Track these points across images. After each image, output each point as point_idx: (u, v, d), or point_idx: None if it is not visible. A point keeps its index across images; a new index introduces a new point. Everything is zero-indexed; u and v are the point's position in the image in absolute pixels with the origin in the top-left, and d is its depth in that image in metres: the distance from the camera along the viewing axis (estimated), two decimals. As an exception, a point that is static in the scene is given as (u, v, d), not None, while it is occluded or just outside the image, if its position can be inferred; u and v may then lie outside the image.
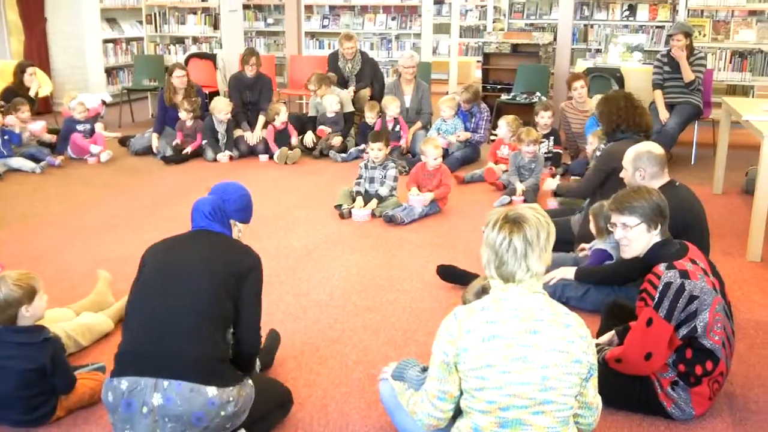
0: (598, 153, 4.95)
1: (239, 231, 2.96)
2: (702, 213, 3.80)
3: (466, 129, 7.59)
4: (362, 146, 7.58)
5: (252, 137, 7.85)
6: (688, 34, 7.20)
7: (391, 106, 7.52)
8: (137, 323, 2.63)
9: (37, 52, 9.99)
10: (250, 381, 2.71)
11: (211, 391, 2.51)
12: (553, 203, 5.94)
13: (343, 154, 7.70)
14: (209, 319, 2.60)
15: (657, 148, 3.83)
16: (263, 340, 3.49)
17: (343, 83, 8.65)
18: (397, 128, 7.60)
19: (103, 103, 9.08)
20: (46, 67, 9.77)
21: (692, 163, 7.58)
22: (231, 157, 7.69)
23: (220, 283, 2.64)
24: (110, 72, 10.90)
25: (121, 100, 9.92)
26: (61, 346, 3.08)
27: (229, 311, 2.66)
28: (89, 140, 7.62)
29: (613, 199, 3.10)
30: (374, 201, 5.76)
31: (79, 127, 7.64)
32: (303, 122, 8.20)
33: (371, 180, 5.91)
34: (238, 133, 7.95)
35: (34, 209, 5.96)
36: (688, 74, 7.12)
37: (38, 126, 7.68)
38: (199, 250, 2.74)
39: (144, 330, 2.59)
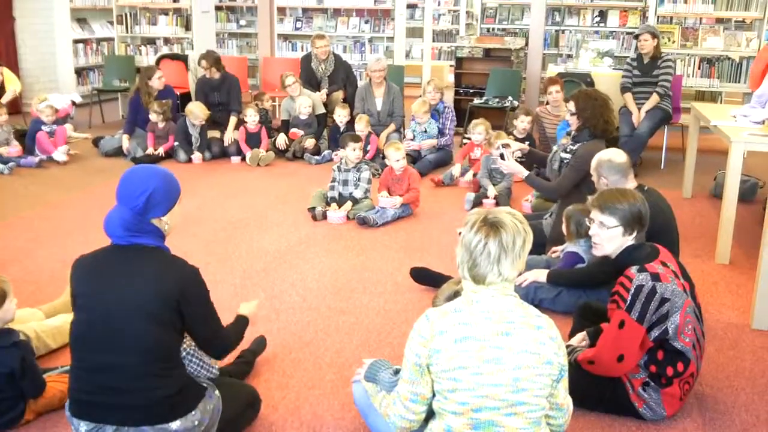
0: (562, 154, 4.95)
1: (166, 224, 2.60)
2: (672, 216, 3.85)
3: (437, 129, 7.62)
4: (333, 151, 7.59)
5: (225, 138, 7.81)
6: (654, 35, 7.29)
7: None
8: (84, 373, 2.47)
9: (6, 52, 9.84)
10: (216, 391, 2.68)
11: (175, 424, 2.49)
12: (526, 206, 5.98)
13: (317, 157, 7.69)
14: (158, 359, 2.45)
15: (619, 156, 3.85)
16: (249, 344, 3.49)
17: (315, 85, 8.64)
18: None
19: (73, 103, 8.97)
20: (15, 67, 9.62)
21: (662, 167, 7.67)
22: (203, 159, 7.65)
23: (161, 321, 2.44)
24: (80, 72, 10.77)
25: (91, 101, 9.82)
26: (31, 349, 3.04)
27: (177, 339, 2.55)
28: (53, 140, 7.54)
29: (598, 196, 3.12)
30: (348, 203, 5.76)
31: (45, 128, 7.54)
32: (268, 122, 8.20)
33: (345, 183, 5.90)
34: (209, 135, 7.90)
35: (3, 210, 5.87)
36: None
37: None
38: (133, 285, 2.44)
39: (92, 382, 2.45)
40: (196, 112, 7.63)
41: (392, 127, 7.91)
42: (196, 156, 7.60)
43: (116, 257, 2.52)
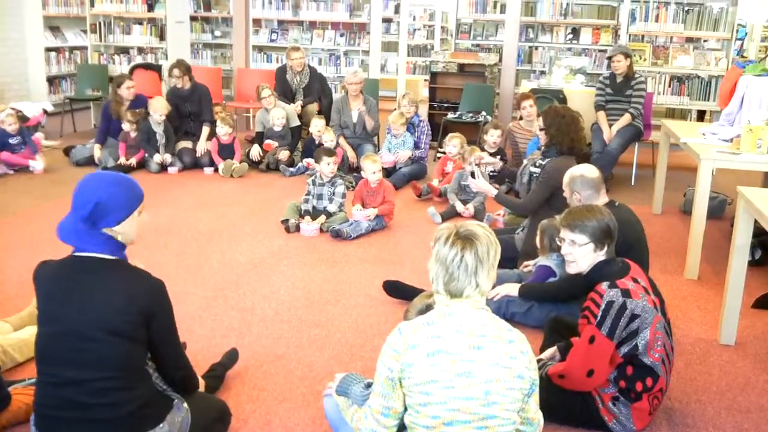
0: (532, 168, 4.99)
1: (119, 234, 2.50)
2: (642, 232, 3.89)
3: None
4: (306, 162, 7.59)
5: (197, 148, 7.79)
6: (627, 55, 7.39)
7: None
8: (49, 387, 2.43)
9: (-24, 59, 9.73)
10: (184, 404, 2.65)
11: None
12: (499, 221, 6.02)
13: (292, 169, 7.68)
14: (123, 374, 2.42)
15: (591, 172, 3.89)
16: (220, 358, 3.46)
17: (290, 97, 8.63)
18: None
19: (45, 112, 8.88)
20: (-15, 75, 9.52)
21: (632, 183, 7.76)
22: (171, 164, 7.61)
23: (127, 336, 2.40)
24: (52, 81, 10.67)
25: (63, 110, 9.72)
26: (-5, 362, 2.99)
27: (143, 353, 2.50)
28: (21, 153, 7.44)
29: (567, 214, 3.14)
30: (322, 216, 5.75)
31: (12, 141, 7.42)
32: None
33: (319, 196, 5.90)
34: (181, 145, 7.87)
35: (-31, 219, 5.79)
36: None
37: None
38: (98, 300, 2.39)
39: (57, 397, 2.41)
40: (156, 104, 7.61)
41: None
42: (157, 158, 7.54)
43: (78, 270, 2.46)
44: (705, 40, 9.85)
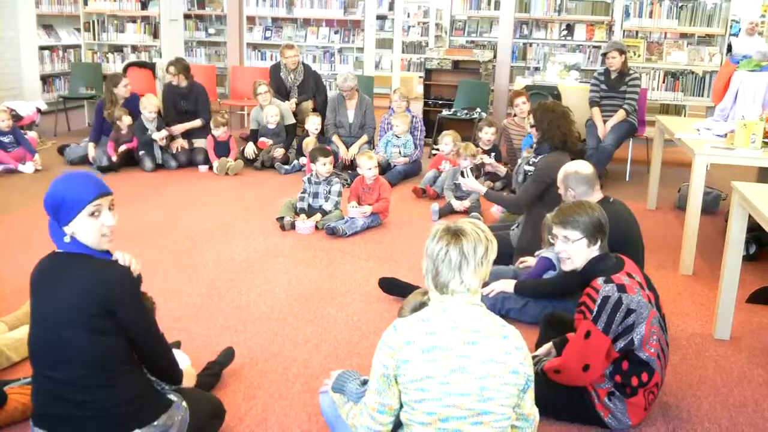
0: (526, 167, 5.00)
1: (69, 235, 2.41)
2: (637, 228, 3.89)
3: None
4: (302, 160, 7.59)
5: (175, 128, 7.84)
6: (622, 52, 7.38)
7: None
8: (40, 385, 2.47)
9: (-31, 58, 9.69)
10: (183, 403, 2.64)
11: None
12: (495, 211, 6.05)
13: (287, 166, 7.67)
14: (102, 370, 2.39)
15: (585, 168, 3.89)
16: (216, 356, 3.46)
17: (284, 94, 8.62)
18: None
19: (38, 111, 8.86)
20: (-23, 74, 9.48)
21: (626, 179, 7.77)
22: (163, 139, 7.66)
23: (95, 329, 2.36)
24: (46, 79, 10.64)
25: (57, 109, 9.69)
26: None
27: (121, 347, 2.45)
28: (14, 152, 7.40)
29: (557, 212, 3.15)
30: (318, 214, 5.75)
31: (4, 138, 7.40)
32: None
33: (315, 195, 5.89)
34: (177, 143, 7.86)
35: (-36, 219, 5.77)
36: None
37: None
38: (61, 294, 2.37)
39: (47, 393, 2.43)
40: (145, 102, 7.63)
41: (365, 138, 7.91)
42: (159, 134, 7.60)
43: (52, 266, 2.46)
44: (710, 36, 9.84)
